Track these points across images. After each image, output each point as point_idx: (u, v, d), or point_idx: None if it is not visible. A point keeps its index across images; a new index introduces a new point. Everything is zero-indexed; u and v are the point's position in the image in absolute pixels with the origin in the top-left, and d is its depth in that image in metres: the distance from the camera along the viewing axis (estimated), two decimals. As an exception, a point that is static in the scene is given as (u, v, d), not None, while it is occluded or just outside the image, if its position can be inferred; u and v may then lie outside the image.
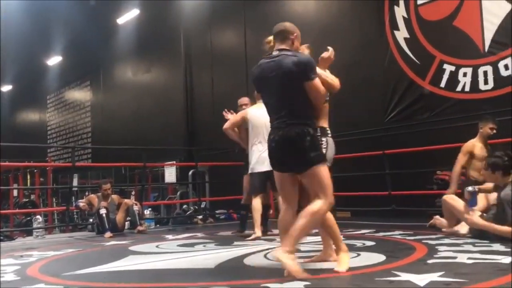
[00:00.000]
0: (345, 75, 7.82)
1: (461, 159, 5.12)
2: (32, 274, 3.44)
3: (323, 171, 2.85)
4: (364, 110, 7.80)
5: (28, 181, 11.85)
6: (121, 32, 14.04)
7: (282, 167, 2.96)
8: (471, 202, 4.12)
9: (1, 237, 6.45)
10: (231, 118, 5.33)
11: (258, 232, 4.94)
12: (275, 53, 2.99)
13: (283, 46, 2.99)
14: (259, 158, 4.96)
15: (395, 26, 7.52)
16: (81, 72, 16.43)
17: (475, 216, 4.04)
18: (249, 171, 5.15)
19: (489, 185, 4.25)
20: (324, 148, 3.01)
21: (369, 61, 7.88)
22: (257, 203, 5.06)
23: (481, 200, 4.41)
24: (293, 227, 2.76)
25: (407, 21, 7.38)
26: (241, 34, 10.50)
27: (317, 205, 2.79)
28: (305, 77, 2.86)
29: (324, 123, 3.10)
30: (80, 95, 17.00)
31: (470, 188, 4.09)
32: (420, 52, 7.18)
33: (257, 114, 4.99)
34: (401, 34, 7.44)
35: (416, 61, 7.24)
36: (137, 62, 13.91)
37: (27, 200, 10.35)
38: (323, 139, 3.03)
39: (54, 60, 17.93)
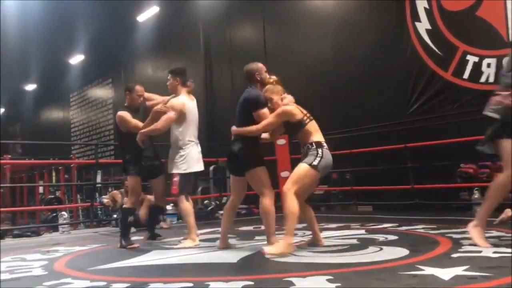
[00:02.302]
0: (366, 68, 7.92)
1: None
2: (59, 268, 3.51)
3: (258, 173, 3.79)
4: (386, 103, 7.72)
5: (54, 178, 12.11)
6: (142, 30, 14.18)
7: (235, 172, 3.94)
8: None
9: (29, 233, 6.62)
10: (167, 114, 4.39)
11: (196, 239, 4.41)
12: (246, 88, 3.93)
13: (249, 82, 3.93)
14: (199, 157, 4.58)
15: (416, 18, 7.41)
16: (103, 70, 16.65)
17: None
18: (184, 170, 4.46)
19: None
20: (320, 157, 3.56)
21: (390, 53, 7.78)
22: (189, 205, 4.49)
23: None
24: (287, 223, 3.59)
25: (428, 12, 7.27)
26: (260, 29, 10.49)
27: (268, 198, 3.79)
28: (252, 108, 3.79)
29: (319, 138, 3.67)
30: (102, 92, 17.24)
31: None
32: (443, 43, 7.07)
33: (192, 107, 4.60)
34: (423, 25, 7.33)
35: (439, 52, 7.13)
36: (157, 59, 14.02)
37: (52, 196, 10.56)
38: (319, 150, 3.58)
39: (76, 59, 18.23)
